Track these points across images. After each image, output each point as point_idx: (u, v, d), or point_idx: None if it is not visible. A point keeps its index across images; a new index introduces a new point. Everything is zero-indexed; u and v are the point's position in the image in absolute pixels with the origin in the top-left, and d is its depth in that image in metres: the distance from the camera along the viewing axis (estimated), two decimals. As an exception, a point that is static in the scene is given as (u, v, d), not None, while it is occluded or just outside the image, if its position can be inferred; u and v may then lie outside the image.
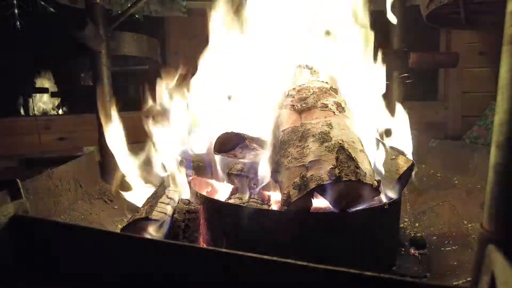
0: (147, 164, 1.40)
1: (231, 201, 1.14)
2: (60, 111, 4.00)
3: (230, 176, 1.20)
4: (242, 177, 1.18)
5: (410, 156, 1.21)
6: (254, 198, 1.11)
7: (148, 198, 1.29)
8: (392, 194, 1.11)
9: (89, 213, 1.46)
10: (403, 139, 1.27)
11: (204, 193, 1.23)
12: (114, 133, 1.43)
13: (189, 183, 1.29)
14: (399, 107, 1.32)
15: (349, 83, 1.28)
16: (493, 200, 0.63)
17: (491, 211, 0.64)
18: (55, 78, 3.91)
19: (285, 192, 0.97)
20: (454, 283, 0.96)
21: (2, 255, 0.67)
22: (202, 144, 1.35)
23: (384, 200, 1.09)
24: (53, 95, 3.90)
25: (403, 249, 1.24)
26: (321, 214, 1.01)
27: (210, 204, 1.12)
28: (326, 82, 1.22)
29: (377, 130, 1.30)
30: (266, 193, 1.18)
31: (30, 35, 2.89)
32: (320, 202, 1.06)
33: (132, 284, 0.66)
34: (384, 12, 1.58)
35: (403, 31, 2.25)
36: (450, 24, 2.21)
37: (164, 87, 1.44)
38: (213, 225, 1.11)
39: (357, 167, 0.94)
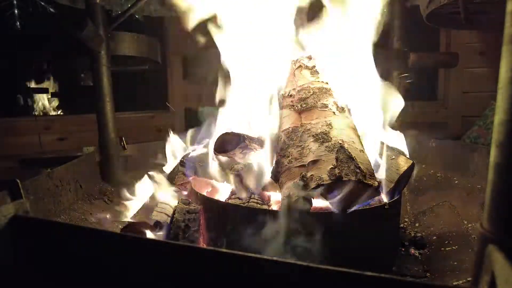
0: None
1: (231, 201, 1.14)
2: (60, 111, 3.99)
3: (230, 176, 1.20)
4: (242, 177, 1.18)
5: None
6: (254, 198, 1.11)
7: (148, 198, 1.29)
8: (392, 194, 1.10)
9: (89, 213, 1.46)
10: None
11: (204, 193, 1.23)
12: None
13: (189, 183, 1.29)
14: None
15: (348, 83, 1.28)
16: (493, 200, 0.63)
17: (491, 211, 0.63)
18: (55, 78, 3.90)
19: (285, 192, 0.97)
20: (454, 283, 0.96)
21: (2, 255, 0.67)
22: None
23: (384, 200, 1.09)
24: (53, 95, 3.90)
25: (403, 249, 1.24)
26: (321, 214, 1.01)
27: (210, 204, 1.12)
28: (326, 83, 1.22)
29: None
30: (266, 193, 1.18)
31: (30, 35, 2.89)
32: (320, 202, 1.06)
33: (132, 284, 0.66)
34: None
35: (403, 31, 2.25)
36: (450, 24, 2.21)
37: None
38: (213, 225, 1.11)
39: (357, 167, 0.94)
